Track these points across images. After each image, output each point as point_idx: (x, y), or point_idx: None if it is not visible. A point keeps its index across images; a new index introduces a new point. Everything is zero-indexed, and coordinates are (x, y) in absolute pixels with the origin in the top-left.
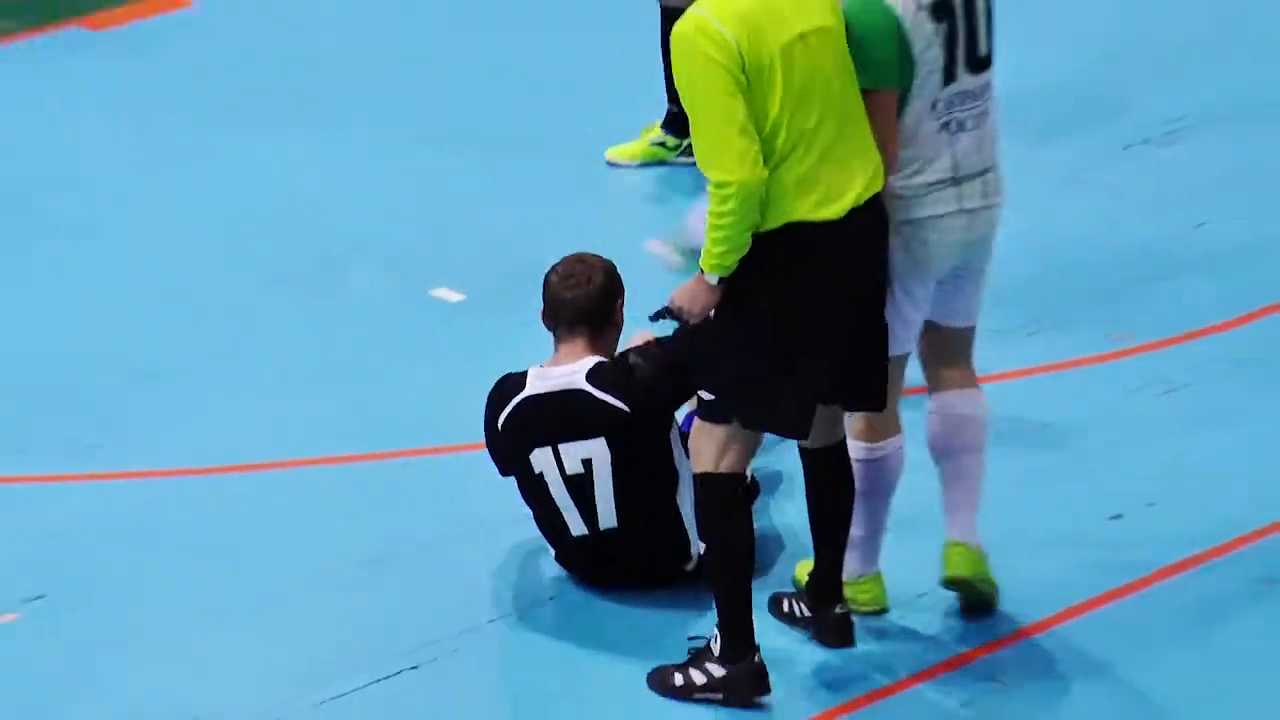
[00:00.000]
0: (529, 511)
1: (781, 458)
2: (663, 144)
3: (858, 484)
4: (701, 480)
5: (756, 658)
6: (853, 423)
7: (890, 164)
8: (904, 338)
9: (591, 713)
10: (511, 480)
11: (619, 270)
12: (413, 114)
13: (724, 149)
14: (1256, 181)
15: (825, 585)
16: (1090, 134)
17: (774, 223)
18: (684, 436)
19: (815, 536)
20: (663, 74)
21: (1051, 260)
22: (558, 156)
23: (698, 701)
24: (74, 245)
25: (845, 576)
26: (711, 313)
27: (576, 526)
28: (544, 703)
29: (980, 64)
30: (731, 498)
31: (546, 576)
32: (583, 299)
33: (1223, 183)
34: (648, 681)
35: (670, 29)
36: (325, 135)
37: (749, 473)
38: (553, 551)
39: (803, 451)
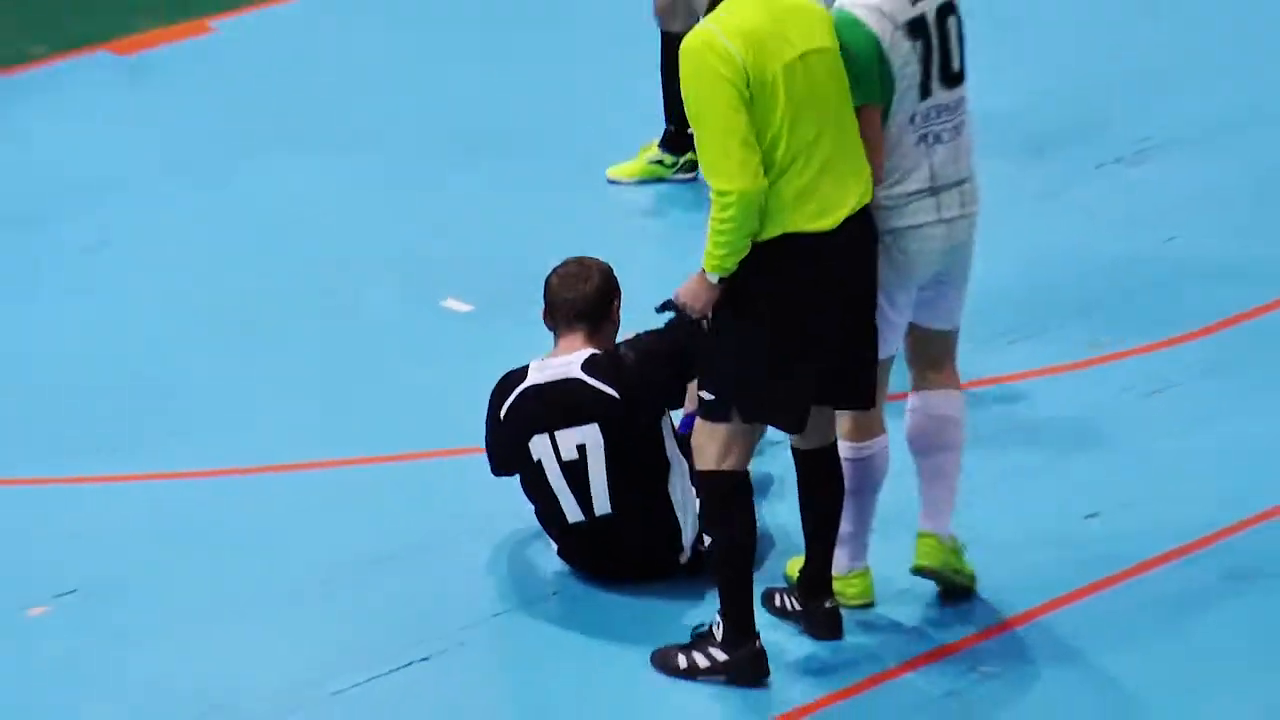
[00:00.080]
0: (532, 508)
1: (773, 459)
2: (660, 162)
3: (846, 482)
4: (705, 478)
5: (758, 643)
6: (841, 423)
7: (878, 175)
8: (889, 341)
9: (596, 701)
10: (514, 480)
11: (616, 275)
12: (426, 134)
13: (727, 159)
14: (1223, 198)
15: (815, 580)
16: (1065, 152)
17: (772, 233)
18: (682, 439)
19: (806, 534)
20: (661, 94)
21: (1029, 273)
22: (561, 173)
23: (700, 682)
24: (101, 261)
25: (835, 571)
26: (711, 311)
27: (573, 513)
28: (551, 692)
29: (954, 79)
30: (735, 494)
31: (550, 571)
32: (581, 298)
33: (1191, 200)
34: (651, 660)
35: (669, 53)
36: (338, 157)
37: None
38: (555, 547)
39: (796, 453)
